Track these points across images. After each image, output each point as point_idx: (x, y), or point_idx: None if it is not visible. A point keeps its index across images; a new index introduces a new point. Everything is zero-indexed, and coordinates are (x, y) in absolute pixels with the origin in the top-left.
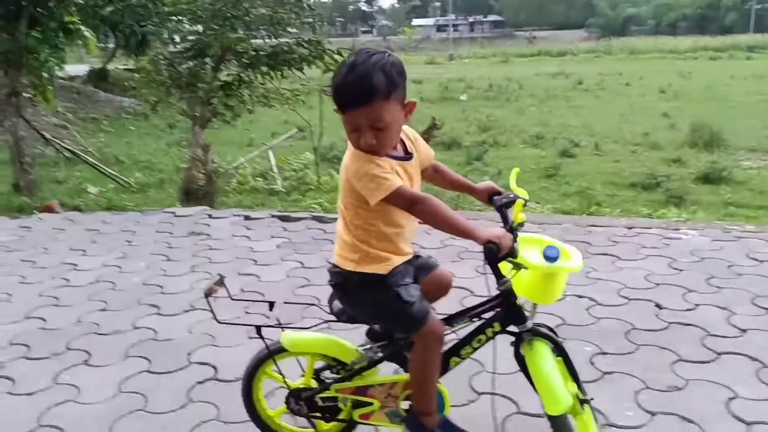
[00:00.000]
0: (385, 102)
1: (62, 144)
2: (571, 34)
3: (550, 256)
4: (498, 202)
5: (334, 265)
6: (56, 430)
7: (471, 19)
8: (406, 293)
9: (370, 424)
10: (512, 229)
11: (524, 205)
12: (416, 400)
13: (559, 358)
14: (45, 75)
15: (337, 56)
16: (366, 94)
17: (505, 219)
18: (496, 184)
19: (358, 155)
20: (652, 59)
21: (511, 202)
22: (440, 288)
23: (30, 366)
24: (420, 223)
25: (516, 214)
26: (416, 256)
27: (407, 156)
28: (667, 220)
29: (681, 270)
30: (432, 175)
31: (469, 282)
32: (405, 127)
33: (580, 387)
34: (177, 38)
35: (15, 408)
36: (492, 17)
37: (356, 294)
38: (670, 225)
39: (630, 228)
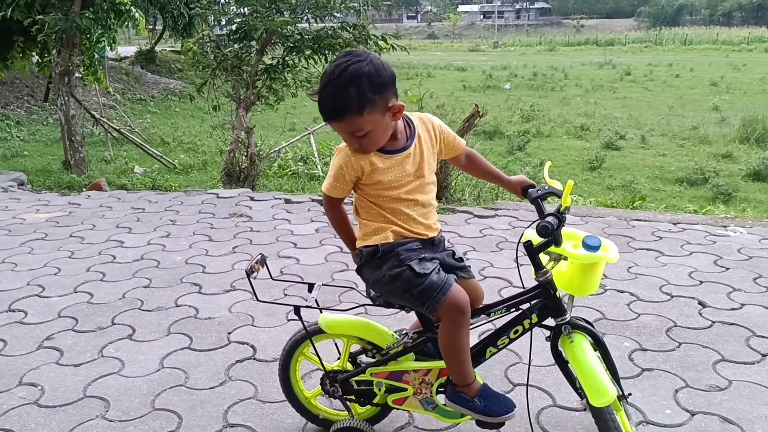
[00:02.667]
0: (358, 117)
1: (110, 124)
2: (620, 22)
3: (592, 245)
4: (533, 194)
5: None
6: (101, 400)
7: (517, 6)
8: (420, 266)
9: (403, 410)
10: (560, 212)
11: (560, 197)
12: (452, 373)
13: (597, 353)
14: (96, 55)
15: (381, 42)
16: (338, 111)
17: (540, 211)
18: (529, 178)
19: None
20: (704, 50)
21: (546, 195)
22: (472, 300)
23: (77, 338)
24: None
25: (565, 196)
26: (444, 247)
27: (401, 149)
28: (715, 217)
29: (727, 268)
30: (465, 164)
31: (507, 272)
32: (425, 115)
33: (617, 382)
34: (223, 20)
35: (63, 378)
36: (539, 4)
37: (371, 270)
38: (718, 221)
39: (675, 223)
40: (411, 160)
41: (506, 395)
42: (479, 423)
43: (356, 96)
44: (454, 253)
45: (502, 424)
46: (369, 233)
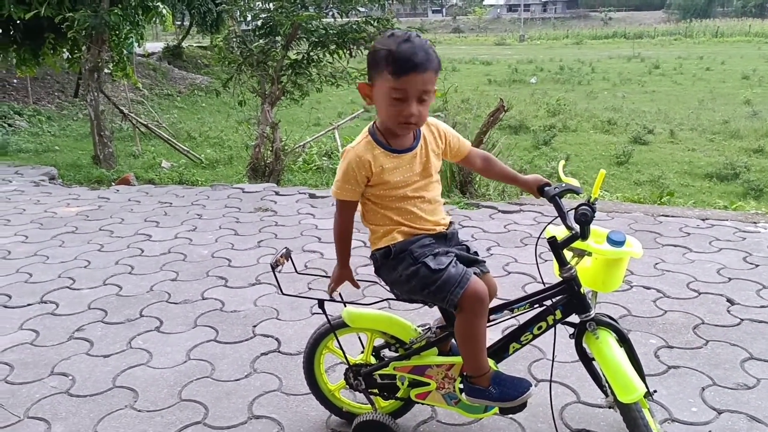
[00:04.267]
0: (435, 75)
1: (138, 119)
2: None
3: (617, 240)
4: (551, 192)
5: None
6: (130, 391)
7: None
8: (435, 262)
9: (426, 404)
10: (591, 203)
11: (578, 194)
12: (467, 363)
13: (622, 349)
14: (125, 51)
15: None
16: (428, 60)
17: (559, 209)
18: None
19: (355, 145)
20: (736, 43)
21: (564, 192)
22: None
23: (106, 330)
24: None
25: (596, 187)
26: (458, 241)
27: (408, 149)
28: (744, 213)
29: (757, 265)
30: (481, 166)
31: (531, 268)
32: (429, 119)
33: (643, 379)
34: (249, 16)
35: (93, 369)
36: None
37: (387, 272)
38: (748, 218)
39: (704, 219)
40: (418, 159)
41: (519, 377)
42: (503, 411)
43: (435, 55)
44: (468, 248)
45: (524, 405)
46: (379, 237)
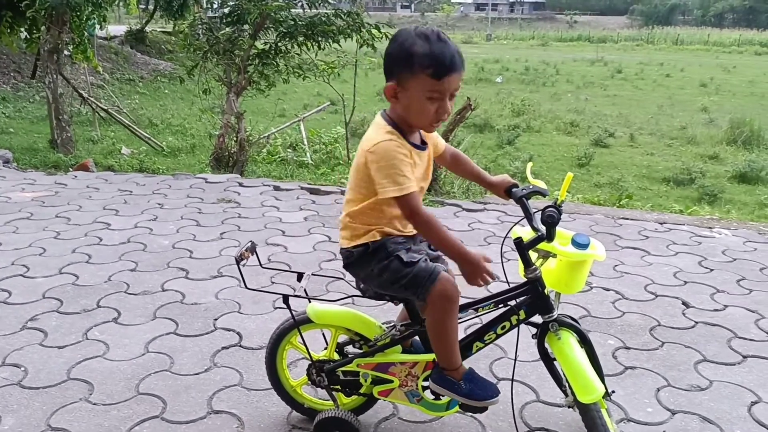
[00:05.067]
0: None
1: (98, 103)
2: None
3: (581, 243)
4: (518, 193)
5: (341, 247)
6: (85, 383)
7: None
8: (407, 256)
9: (389, 401)
10: (557, 206)
11: (544, 196)
12: (439, 358)
13: (583, 350)
14: (86, 33)
15: (374, 30)
16: (462, 60)
17: (526, 210)
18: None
19: (386, 137)
20: (695, 51)
21: (531, 194)
22: None
23: (62, 320)
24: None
25: (563, 189)
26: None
27: (423, 145)
28: (700, 218)
29: (711, 269)
30: (450, 162)
31: (494, 267)
32: None
33: (602, 380)
34: (216, 3)
35: (46, 360)
36: None
37: (362, 268)
38: (703, 222)
39: (662, 223)
40: (427, 159)
41: (491, 382)
42: (463, 407)
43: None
44: (429, 245)
45: (485, 408)
46: (359, 235)
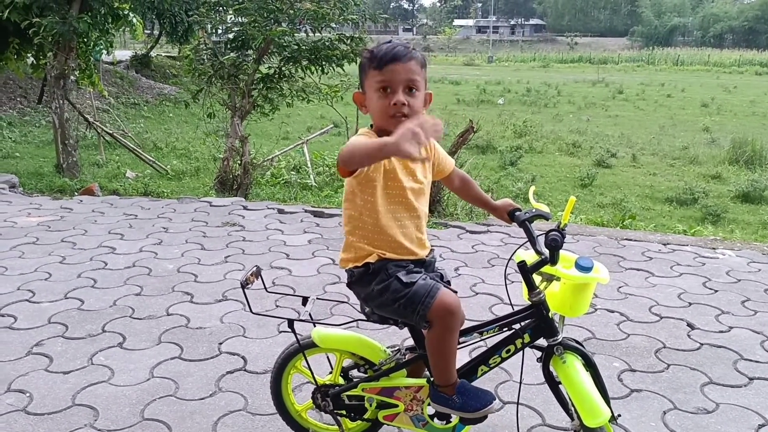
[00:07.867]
0: (419, 67)
1: (103, 128)
2: (613, 41)
3: (585, 266)
4: (521, 217)
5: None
6: (90, 409)
7: (512, 22)
8: (407, 277)
9: (394, 426)
10: (561, 229)
11: (547, 219)
12: (436, 373)
13: (588, 373)
14: (92, 59)
15: None
16: (407, 52)
17: (529, 234)
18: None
19: (358, 134)
20: (696, 71)
21: (534, 217)
22: None
23: (67, 345)
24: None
25: (566, 213)
26: (434, 269)
27: None
28: (704, 238)
29: (716, 290)
30: (458, 186)
31: (498, 289)
32: None
33: (607, 403)
34: (221, 29)
35: (52, 386)
36: (534, 21)
37: (363, 288)
38: (707, 243)
39: (665, 244)
40: (421, 170)
41: (484, 389)
42: (463, 420)
43: (418, 54)
44: (442, 276)
45: (485, 417)
46: (361, 257)
